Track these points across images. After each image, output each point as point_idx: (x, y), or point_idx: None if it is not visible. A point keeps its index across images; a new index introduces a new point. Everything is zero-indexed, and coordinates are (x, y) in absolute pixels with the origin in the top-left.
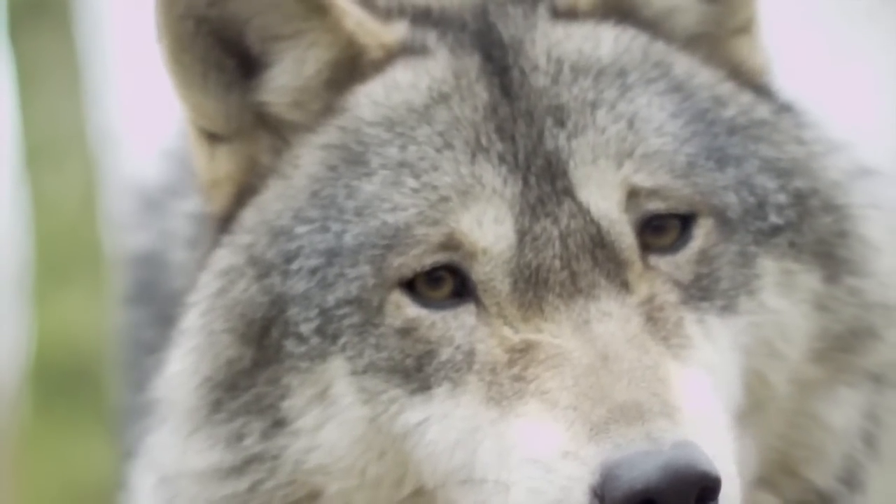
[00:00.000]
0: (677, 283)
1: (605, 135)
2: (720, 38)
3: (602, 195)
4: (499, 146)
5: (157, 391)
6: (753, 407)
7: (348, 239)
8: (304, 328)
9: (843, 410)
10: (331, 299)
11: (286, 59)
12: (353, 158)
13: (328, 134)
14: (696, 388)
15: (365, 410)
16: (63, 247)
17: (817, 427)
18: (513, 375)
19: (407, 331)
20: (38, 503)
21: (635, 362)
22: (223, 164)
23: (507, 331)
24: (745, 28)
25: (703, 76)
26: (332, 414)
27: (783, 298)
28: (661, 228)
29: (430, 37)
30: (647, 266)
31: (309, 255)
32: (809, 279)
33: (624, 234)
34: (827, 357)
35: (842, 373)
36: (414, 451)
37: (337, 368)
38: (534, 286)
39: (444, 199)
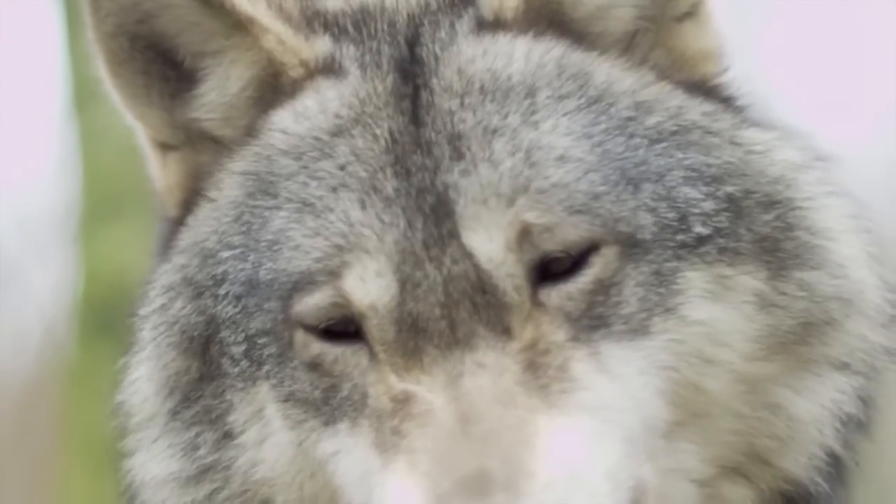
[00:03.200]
0: (568, 317)
1: (500, 169)
2: (662, 27)
3: (489, 237)
4: (392, 183)
5: (121, 396)
6: (694, 414)
7: (262, 272)
8: (235, 351)
9: (809, 401)
10: (252, 328)
11: (213, 76)
12: (265, 188)
13: (246, 159)
14: (568, 441)
15: (292, 435)
16: (111, 183)
17: (784, 418)
18: (393, 427)
19: (314, 365)
20: (85, 439)
21: (497, 423)
22: (173, 173)
23: (392, 378)
24: (692, 12)
25: (626, 82)
26: (268, 433)
27: (716, 305)
28: (558, 259)
29: (349, 53)
30: (536, 304)
31: (233, 281)
32: (750, 281)
33: (510, 277)
34: (783, 352)
35: (803, 364)
36: (333, 479)
37: (266, 393)
38: (415, 335)
39: (336, 249)
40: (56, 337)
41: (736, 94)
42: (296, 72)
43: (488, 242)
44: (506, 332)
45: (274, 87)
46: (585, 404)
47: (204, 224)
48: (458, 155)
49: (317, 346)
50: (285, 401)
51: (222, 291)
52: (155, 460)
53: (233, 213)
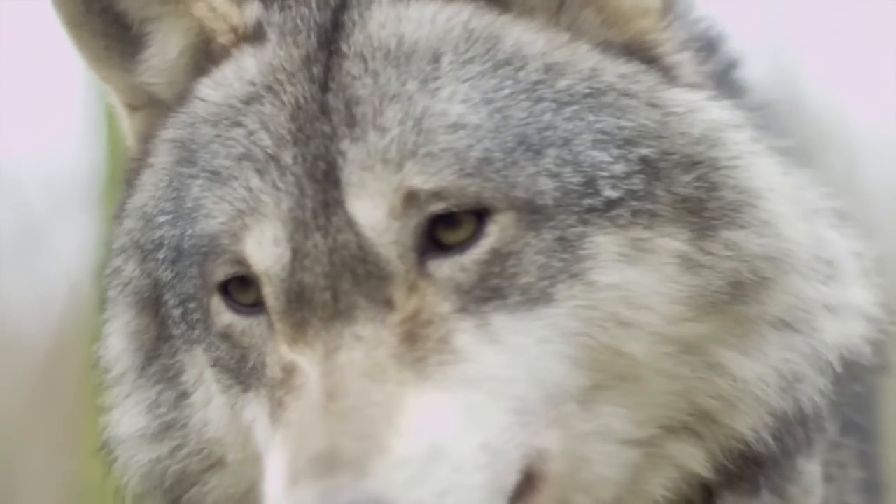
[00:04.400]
0: (458, 289)
1: (388, 135)
2: None
3: (373, 204)
4: (292, 151)
5: (99, 352)
6: (619, 378)
7: (185, 239)
8: (174, 313)
9: (752, 360)
10: (183, 292)
11: (155, 41)
12: (188, 156)
13: (175, 126)
14: (436, 415)
15: (224, 399)
16: None
17: (727, 377)
18: (279, 398)
19: (226, 335)
20: None
21: (360, 399)
22: (134, 133)
23: (283, 349)
24: None
25: (538, 44)
26: (211, 395)
27: (632, 268)
28: (454, 226)
29: (274, 19)
30: (422, 275)
31: (168, 246)
32: (671, 242)
33: (393, 245)
34: (715, 311)
35: (741, 324)
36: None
37: (201, 356)
38: (303, 306)
39: (239, 214)
40: (80, 299)
41: (663, 54)
42: (225, 38)
43: (372, 210)
44: (387, 303)
45: (206, 54)
46: (465, 377)
47: (145, 188)
48: (352, 121)
49: (227, 317)
50: (213, 365)
51: (160, 256)
52: (126, 416)
53: (165, 179)
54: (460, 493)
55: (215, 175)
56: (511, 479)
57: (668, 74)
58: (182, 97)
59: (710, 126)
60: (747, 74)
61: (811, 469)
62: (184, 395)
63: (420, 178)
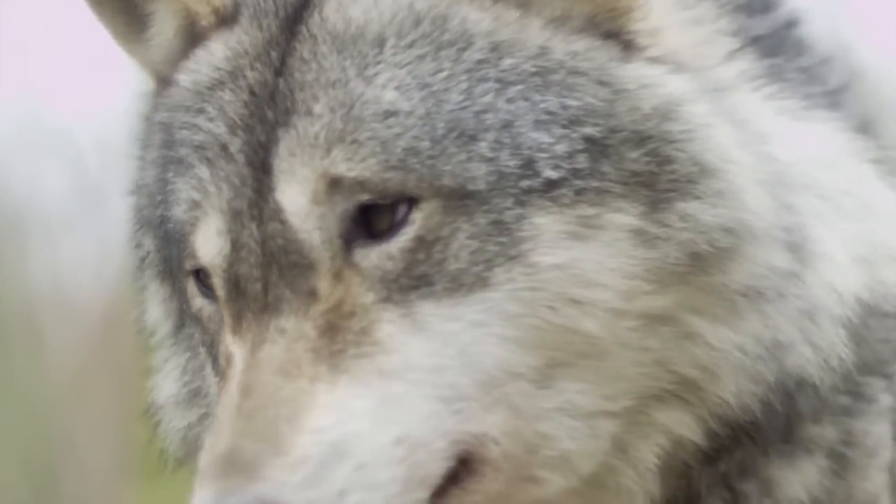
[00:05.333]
0: (384, 278)
1: (319, 122)
2: None
3: (298, 190)
4: (241, 139)
5: (143, 316)
6: (579, 355)
7: (168, 222)
8: (180, 288)
9: (727, 328)
10: (178, 271)
11: (156, 21)
12: (169, 140)
13: (160, 109)
14: (346, 411)
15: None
16: None
17: (703, 346)
18: (220, 388)
19: (198, 318)
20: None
21: (270, 396)
22: None
23: (228, 338)
24: None
25: (485, 23)
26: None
27: (580, 246)
28: (382, 214)
29: (250, 1)
30: (348, 264)
31: (167, 223)
32: (622, 218)
33: (317, 231)
34: (679, 283)
35: (709, 293)
36: None
37: (198, 333)
38: (240, 298)
39: (194, 205)
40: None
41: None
42: (206, 20)
43: (296, 196)
44: (311, 293)
45: (193, 36)
46: (383, 368)
47: (148, 166)
48: (292, 107)
49: (199, 301)
50: (203, 344)
51: (161, 233)
52: (165, 381)
53: (160, 160)
54: (361, 490)
55: (180, 163)
56: (437, 468)
57: (630, 47)
58: (171, 79)
59: (663, 100)
60: (809, 32)
61: (876, 430)
62: (203, 366)
63: (344, 166)
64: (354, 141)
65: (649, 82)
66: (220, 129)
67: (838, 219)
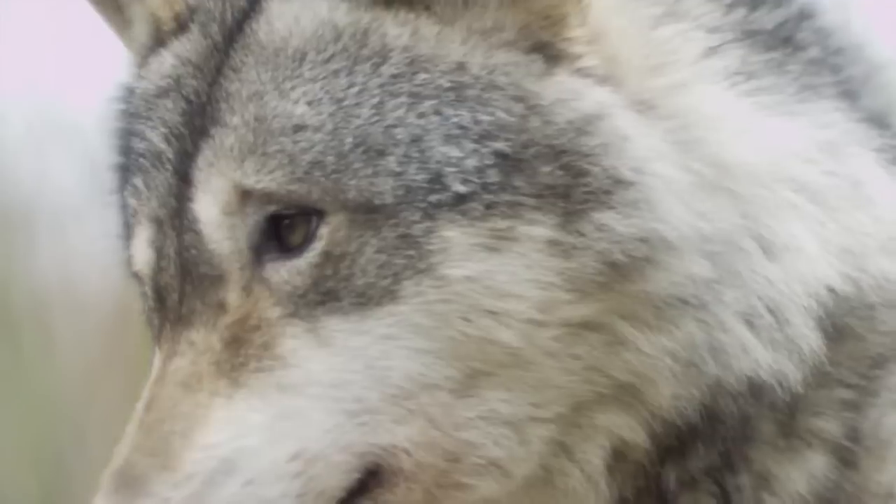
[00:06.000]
0: (293, 293)
1: (234, 135)
2: None
3: (212, 201)
4: (174, 147)
5: None
6: (500, 365)
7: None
8: None
9: (656, 335)
10: None
11: (134, 24)
12: (123, 147)
13: (120, 117)
14: (241, 426)
15: None
16: None
17: (634, 352)
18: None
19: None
20: None
21: (167, 410)
22: None
23: (156, 347)
24: None
25: (404, 38)
26: None
27: (493, 259)
28: (294, 228)
29: (203, 7)
30: (257, 278)
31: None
32: (535, 229)
33: (227, 241)
34: (600, 291)
35: (635, 301)
36: None
37: None
38: (162, 308)
39: (133, 212)
40: None
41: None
42: (167, 26)
43: (210, 207)
44: (220, 306)
45: (157, 42)
46: (284, 383)
47: (111, 172)
48: (216, 118)
49: (142, 306)
50: None
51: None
52: None
53: (117, 167)
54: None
55: (128, 170)
56: (338, 480)
57: (558, 58)
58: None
59: (579, 115)
60: (825, 24)
61: (890, 421)
62: None
63: (253, 179)
64: (264, 154)
65: (567, 97)
66: (158, 137)
67: (816, 211)
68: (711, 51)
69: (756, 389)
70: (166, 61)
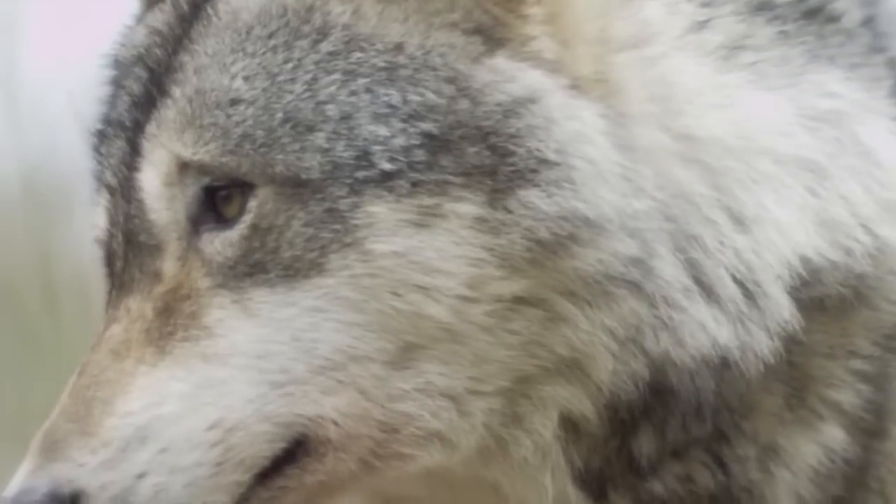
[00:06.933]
0: (224, 264)
1: (176, 106)
2: None
3: (153, 172)
4: (133, 116)
5: None
6: (433, 339)
7: None
8: None
9: (594, 311)
10: None
11: None
12: (101, 115)
13: (104, 86)
14: (161, 394)
15: None
16: None
17: (572, 328)
18: None
19: None
20: None
21: (94, 377)
22: None
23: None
24: None
25: (346, 16)
26: None
27: (420, 234)
28: (229, 200)
29: None
30: (192, 248)
31: None
32: (462, 207)
33: (166, 211)
34: (531, 267)
35: (570, 277)
36: None
37: None
38: (112, 275)
39: (96, 179)
40: None
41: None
42: None
43: (152, 177)
44: (156, 275)
45: (144, 11)
46: (208, 352)
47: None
48: (165, 90)
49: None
50: None
51: None
52: None
53: (96, 134)
54: (162, 474)
55: (99, 137)
56: (260, 450)
57: (500, 41)
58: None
59: (508, 97)
60: None
61: None
62: None
63: (190, 150)
64: (200, 126)
65: (499, 79)
66: (122, 105)
67: (798, 181)
68: (699, 25)
69: (721, 363)
70: (141, 30)
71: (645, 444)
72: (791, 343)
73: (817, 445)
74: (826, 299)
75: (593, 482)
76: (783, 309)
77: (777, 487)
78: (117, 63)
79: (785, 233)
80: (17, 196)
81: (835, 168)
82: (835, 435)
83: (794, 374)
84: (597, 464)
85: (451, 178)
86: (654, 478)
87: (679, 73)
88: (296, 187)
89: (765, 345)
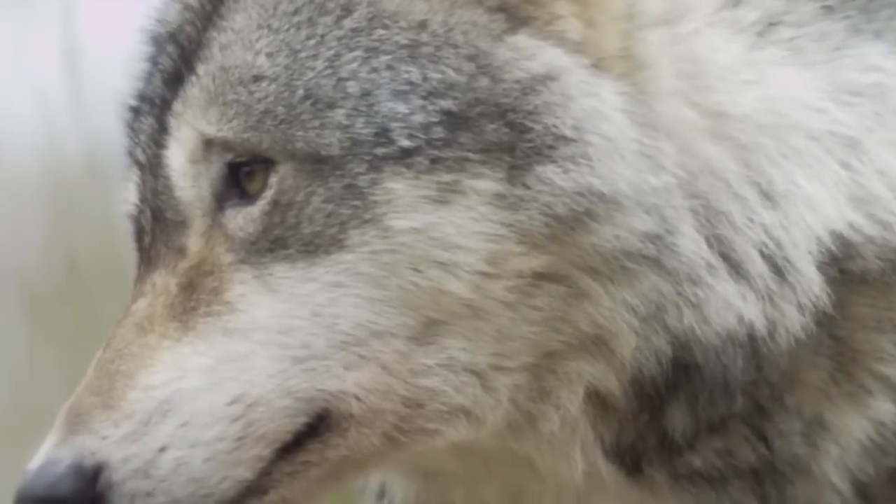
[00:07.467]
0: (246, 240)
1: (200, 84)
2: None
3: (180, 150)
4: (162, 93)
5: None
6: (454, 315)
7: None
8: None
9: (616, 287)
10: None
11: None
12: (134, 91)
13: (138, 61)
14: (183, 368)
15: None
16: None
17: (594, 304)
18: None
19: None
20: None
21: (119, 351)
22: None
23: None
24: None
25: None
26: None
27: (439, 211)
28: (252, 176)
29: None
30: (216, 224)
31: None
32: (481, 183)
33: (190, 189)
34: (551, 243)
35: (590, 253)
36: None
37: None
38: (141, 250)
39: (128, 156)
40: None
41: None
42: None
43: (178, 154)
44: (181, 250)
45: None
46: (230, 327)
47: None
48: (192, 67)
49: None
50: None
51: None
52: None
53: (129, 110)
54: (182, 447)
55: (130, 112)
56: (282, 424)
57: (524, 19)
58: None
59: (527, 75)
60: None
61: None
62: None
63: (214, 128)
64: (224, 103)
65: (519, 56)
66: (155, 82)
67: (832, 157)
68: (734, 1)
69: (748, 339)
70: (175, 6)
71: (677, 420)
72: (830, 318)
73: (866, 420)
74: (867, 273)
75: (626, 457)
76: (813, 284)
77: (824, 461)
78: (153, 39)
79: (815, 208)
80: (80, 172)
81: (872, 142)
82: (885, 409)
83: (839, 349)
84: (629, 439)
85: (469, 154)
86: (691, 452)
87: (710, 49)
88: (316, 163)
89: (795, 320)
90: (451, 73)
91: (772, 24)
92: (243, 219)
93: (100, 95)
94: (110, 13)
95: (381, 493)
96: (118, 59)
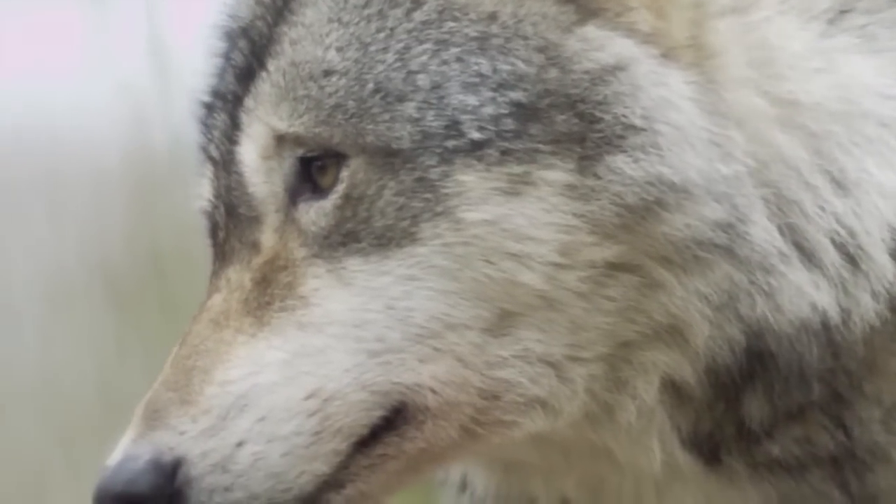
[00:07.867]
0: (318, 234)
1: (271, 80)
2: None
3: (252, 146)
4: (235, 89)
5: None
6: (528, 307)
7: None
8: None
9: (688, 277)
10: None
11: None
12: (206, 87)
13: (208, 58)
14: (259, 363)
15: None
16: None
17: (667, 294)
18: None
19: None
20: None
21: (195, 346)
22: None
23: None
24: None
25: None
26: None
27: (511, 202)
28: (324, 171)
29: None
30: (289, 219)
31: None
32: (552, 174)
33: (264, 185)
34: (622, 233)
35: (661, 243)
36: None
37: None
38: (215, 245)
39: (201, 150)
40: None
41: None
42: None
43: (250, 150)
44: (254, 245)
45: None
46: (304, 322)
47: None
48: (262, 63)
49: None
50: None
51: None
52: None
53: (201, 106)
54: (260, 442)
55: (203, 108)
56: (358, 418)
57: (593, 12)
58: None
59: (596, 65)
60: None
61: None
62: None
63: (285, 123)
64: (295, 98)
65: (588, 47)
66: (227, 78)
67: None
68: None
69: (822, 328)
70: (247, 1)
71: (754, 408)
72: None
73: None
74: None
75: (704, 446)
76: (887, 272)
77: None
78: (226, 35)
79: (888, 196)
80: (164, 164)
81: None
82: None
83: None
84: (706, 428)
85: (540, 146)
86: (769, 441)
87: (781, 37)
88: (387, 157)
89: (869, 308)
90: (521, 65)
91: (843, 12)
92: (316, 213)
93: (184, 88)
94: (195, 6)
95: (463, 486)
96: (202, 52)
